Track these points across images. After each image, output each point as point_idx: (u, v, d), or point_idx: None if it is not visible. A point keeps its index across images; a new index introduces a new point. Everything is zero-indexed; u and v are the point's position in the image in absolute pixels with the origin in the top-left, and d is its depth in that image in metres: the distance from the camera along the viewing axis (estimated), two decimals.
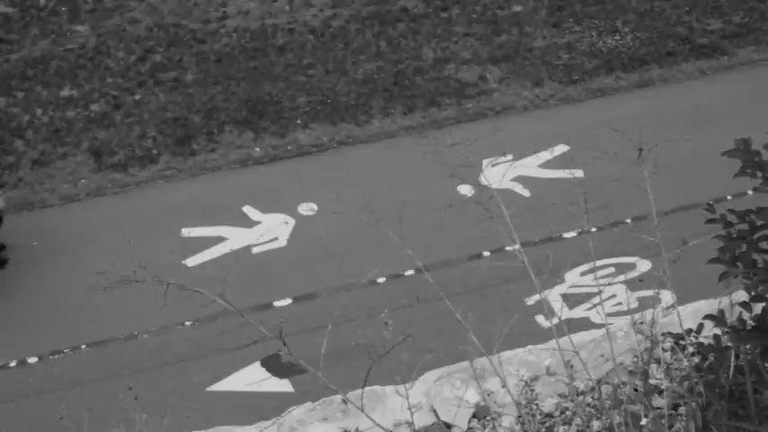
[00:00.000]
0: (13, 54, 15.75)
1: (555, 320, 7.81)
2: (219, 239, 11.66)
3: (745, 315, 4.38)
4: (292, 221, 11.90)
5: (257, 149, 13.40)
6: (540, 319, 9.70)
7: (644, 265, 10.48)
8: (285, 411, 7.02)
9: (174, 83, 14.87)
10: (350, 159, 13.14)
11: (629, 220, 11.23)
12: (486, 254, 10.99)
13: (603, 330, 6.69)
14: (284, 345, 4.42)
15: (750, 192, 10.44)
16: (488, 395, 6.49)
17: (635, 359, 6.23)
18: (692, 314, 6.59)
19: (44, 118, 14.19)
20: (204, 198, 12.47)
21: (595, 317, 9.57)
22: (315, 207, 12.08)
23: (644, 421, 4.67)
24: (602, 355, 6.49)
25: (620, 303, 9.72)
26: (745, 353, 4.49)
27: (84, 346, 10.34)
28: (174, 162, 13.23)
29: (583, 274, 10.34)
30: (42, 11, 16.79)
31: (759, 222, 4.10)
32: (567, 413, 6.17)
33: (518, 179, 12.24)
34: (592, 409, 5.96)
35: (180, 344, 10.27)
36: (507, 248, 9.27)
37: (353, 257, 11.12)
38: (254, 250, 11.48)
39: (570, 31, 15.66)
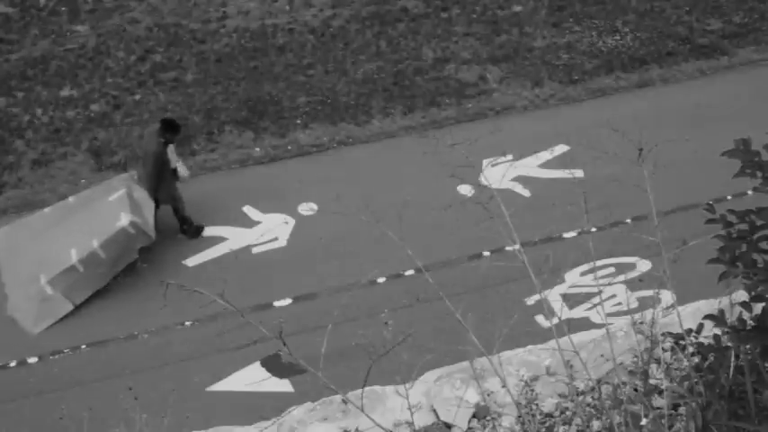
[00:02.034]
0: (13, 54, 15.73)
1: (555, 320, 7.83)
2: (219, 239, 11.65)
3: (745, 315, 4.39)
4: (292, 221, 11.89)
5: (257, 149, 13.38)
6: (540, 319, 9.70)
7: (644, 265, 10.48)
8: (285, 411, 7.05)
9: (174, 83, 14.86)
10: (350, 159, 13.13)
11: (629, 220, 11.23)
12: (486, 254, 10.99)
13: (603, 330, 6.71)
14: (284, 345, 4.42)
15: (750, 192, 10.46)
16: (488, 395, 6.50)
17: (635, 359, 6.24)
18: (692, 314, 6.61)
19: (44, 118, 14.18)
20: (204, 198, 12.46)
21: (595, 317, 9.57)
22: (315, 207, 12.07)
23: (644, 421, 4.68)
24: (602, 355, 6.50)
25: (620, 303, 9.72)
26: (745, 353, 4.50)
27: (84, 346, 10.33)
28: None
29: (583, 274, 10.33)
30: (42, 11, 16.79)
31: (759, 222, 4.10)
32: (567, 413, 6.18)
33: (518, 179, 12.23)
34: (592, 409, 5.96)
35: (180, 344, 10.26)
36: (507, 248, 9.29)
37: (353, 257, 11.12)
38: (254, 250, 11.47)
39: (570, 31, 15.65)
